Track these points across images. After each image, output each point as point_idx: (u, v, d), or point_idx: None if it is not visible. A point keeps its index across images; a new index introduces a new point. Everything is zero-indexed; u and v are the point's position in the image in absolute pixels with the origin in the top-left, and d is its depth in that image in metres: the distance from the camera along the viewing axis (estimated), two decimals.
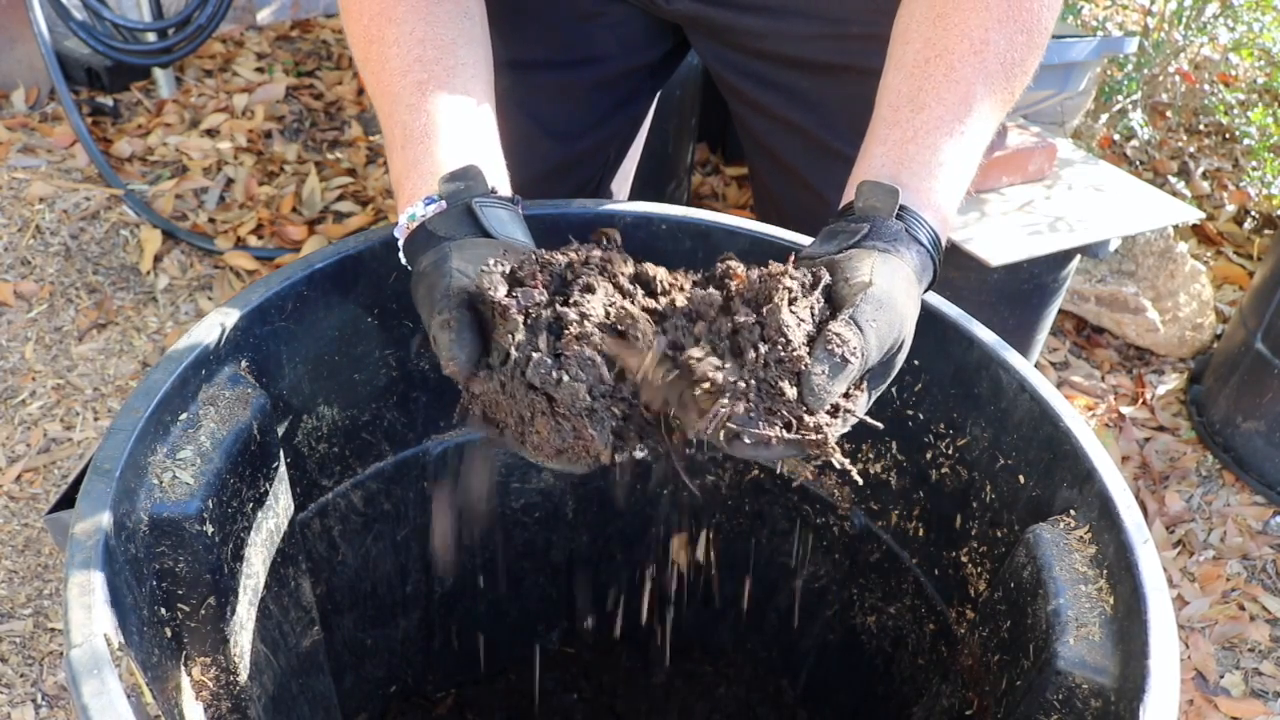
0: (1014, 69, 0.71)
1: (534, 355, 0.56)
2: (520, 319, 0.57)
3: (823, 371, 0.55)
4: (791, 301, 0.57)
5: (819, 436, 0.56)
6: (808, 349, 0.55)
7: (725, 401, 0.55)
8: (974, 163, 0.71)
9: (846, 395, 0.58)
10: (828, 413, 0.57)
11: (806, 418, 0.55)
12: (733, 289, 0.59)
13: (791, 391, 0.55)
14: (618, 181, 1.20)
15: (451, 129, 0.72)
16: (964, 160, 0.70)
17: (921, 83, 0.71)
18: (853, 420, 0.59)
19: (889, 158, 0.69)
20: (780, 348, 0.55)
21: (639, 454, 0.59)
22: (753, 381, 0.55)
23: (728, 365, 0.56)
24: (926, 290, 0.69)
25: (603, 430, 0.57)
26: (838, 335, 0.56)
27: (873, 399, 0.61)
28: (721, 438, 0.55)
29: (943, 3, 0.72)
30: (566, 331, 0.57)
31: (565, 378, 0.56)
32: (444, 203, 0.67)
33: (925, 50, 0.71)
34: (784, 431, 0.55)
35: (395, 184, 0.72)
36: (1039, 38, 0.73)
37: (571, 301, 0.58)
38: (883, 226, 0.64)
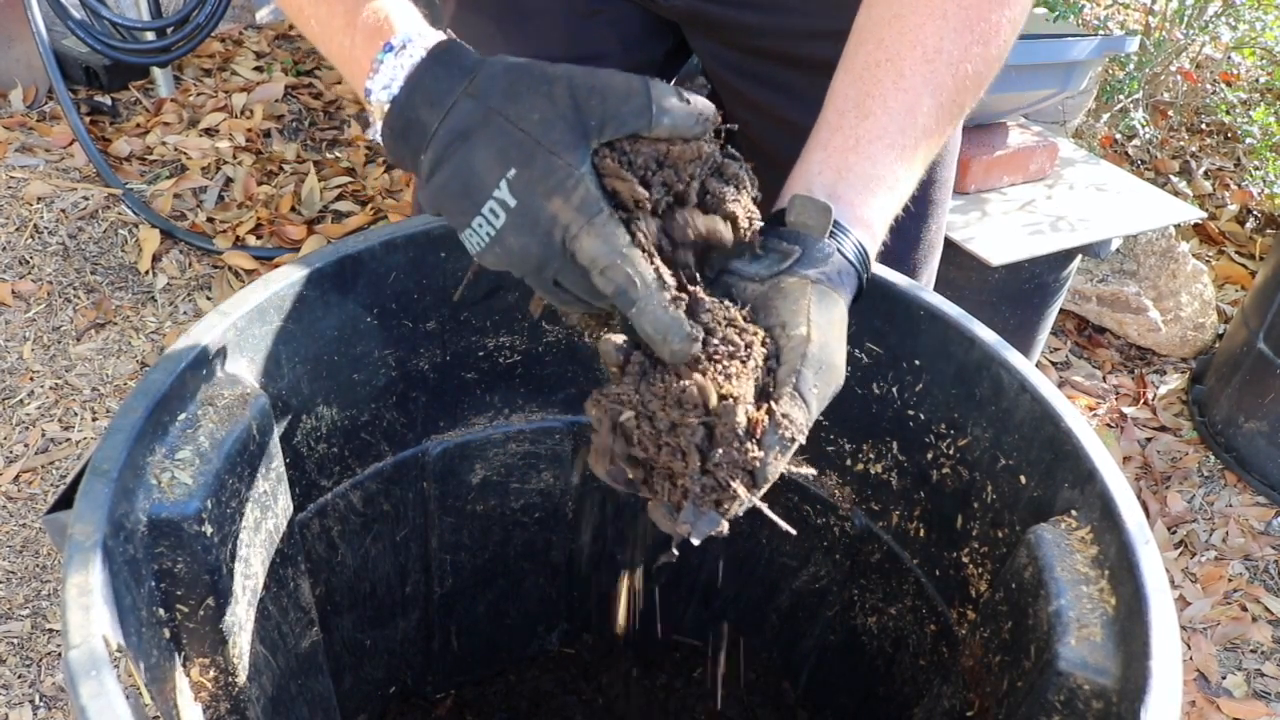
0: (966, 81, 0.70)
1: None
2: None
3: (775, 457, 0.54)
4: (739, 377, 0.56)
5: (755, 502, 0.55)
6: (757, 442, 0.54)
7: (685, 512, 0.54)
8: (914, 175, 0.70)
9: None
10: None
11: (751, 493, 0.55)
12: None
13: (744, 490, 0.54)
14: None
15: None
16: (904, 173, 0.68)
17: (869, 88, 0.69)
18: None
19: (827, 165, 0.68)
20: (736, 450, 0.53)
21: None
22: (704, 484, 0.54)
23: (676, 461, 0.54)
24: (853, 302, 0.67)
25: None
26: (787, 417, 0.54)
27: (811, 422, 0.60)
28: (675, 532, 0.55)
29: (900, 5, 0.70)
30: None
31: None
32: (453, 41, 0.61)
33: (876, 53, 0.70)
34: (729, 515, 0.54)
35: (373, 25, 0.62)
36: (996, 50, 0.71)
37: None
38: (814, 249, 0.62)
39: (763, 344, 0.58)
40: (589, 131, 0.55)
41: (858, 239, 0.64)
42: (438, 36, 0.62)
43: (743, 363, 0.56)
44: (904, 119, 0.68)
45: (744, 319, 0.59)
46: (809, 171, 0.68)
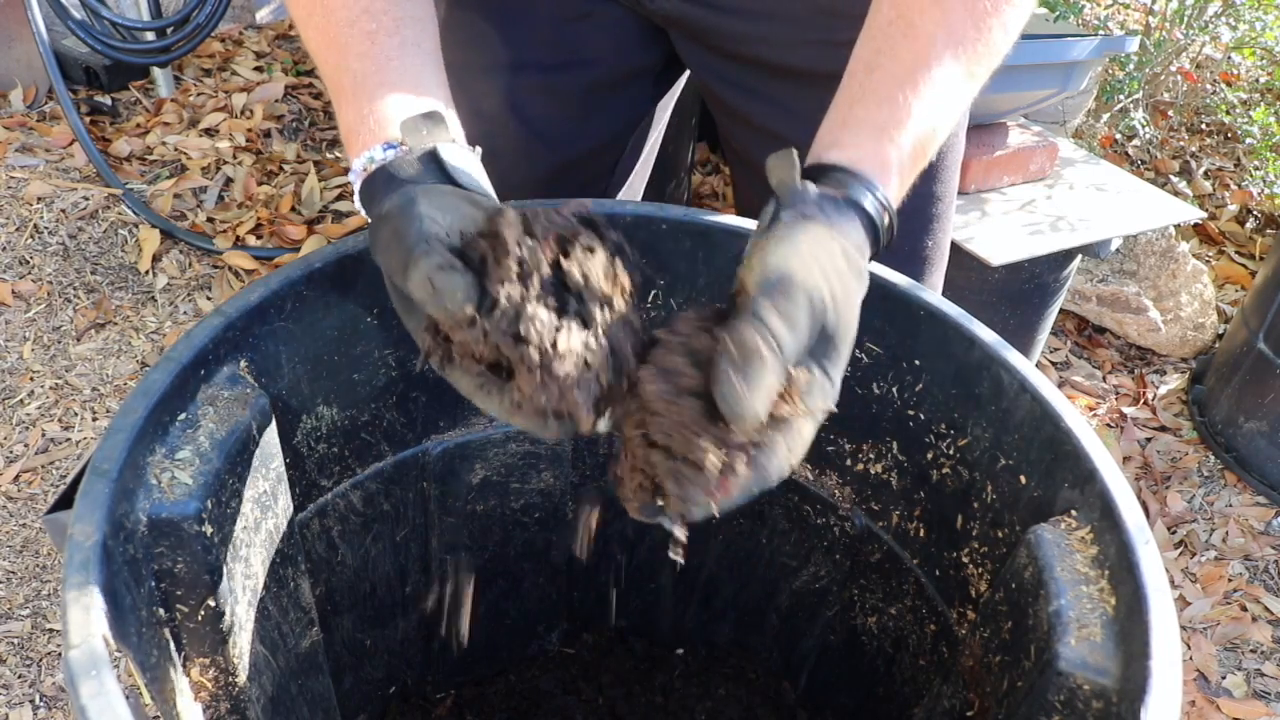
0: (984, 17, 0.67)
1: (532, 307, 0.54)
2: (516, 266, 0.55)
3: (731, 383, 0.51)
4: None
5: (774, 448, 0.54)
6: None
7: (671, 491, 0.54)
8: (938, 109, 0.66)
9: (789, 396, 0.54)
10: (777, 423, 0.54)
11: (748, 447, 0.53)
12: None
13: (712, 455, 0.52)
14: (627, 194, 1.17)
15: (406, 77, 0.70)
16: (921, 108, 0.65)
17: (880, 44, 0.68)
18: (819, 413, 0.55)
19: (831, 122, 0.66)
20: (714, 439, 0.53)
21: (604, 427, 0.57)
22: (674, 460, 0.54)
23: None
24: (884, 241, 0.64)
25: (588, 398, 0.55)
26: (728, 339, 0.52)
27: (835, 378, 0.57)
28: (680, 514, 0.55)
29: None
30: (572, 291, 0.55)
31: (566, 339, 0.54)
32: (406, 147, 0.64)
33: (889, 12, 0.69)
34: (731, 480, 0.53)
35: (347, 132, 0.69)
36: None
37: (575, 263, 0.56)
38: (789, 197, 0.60)
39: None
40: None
41: (860, 172, 0.62)
42: (363, 175, 0.66)
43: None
44: (914, 61, 0.66)
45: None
46: (818, 140, 0.67)
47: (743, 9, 0.94)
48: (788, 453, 0.55)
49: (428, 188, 0.61)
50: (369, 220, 0.65)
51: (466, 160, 0.65)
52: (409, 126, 0.64)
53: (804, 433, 0.56)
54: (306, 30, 0.74)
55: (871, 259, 0.65)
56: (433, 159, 0.63)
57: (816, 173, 0.64)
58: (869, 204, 0.62)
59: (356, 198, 0.67)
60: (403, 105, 0.68)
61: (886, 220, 0.63)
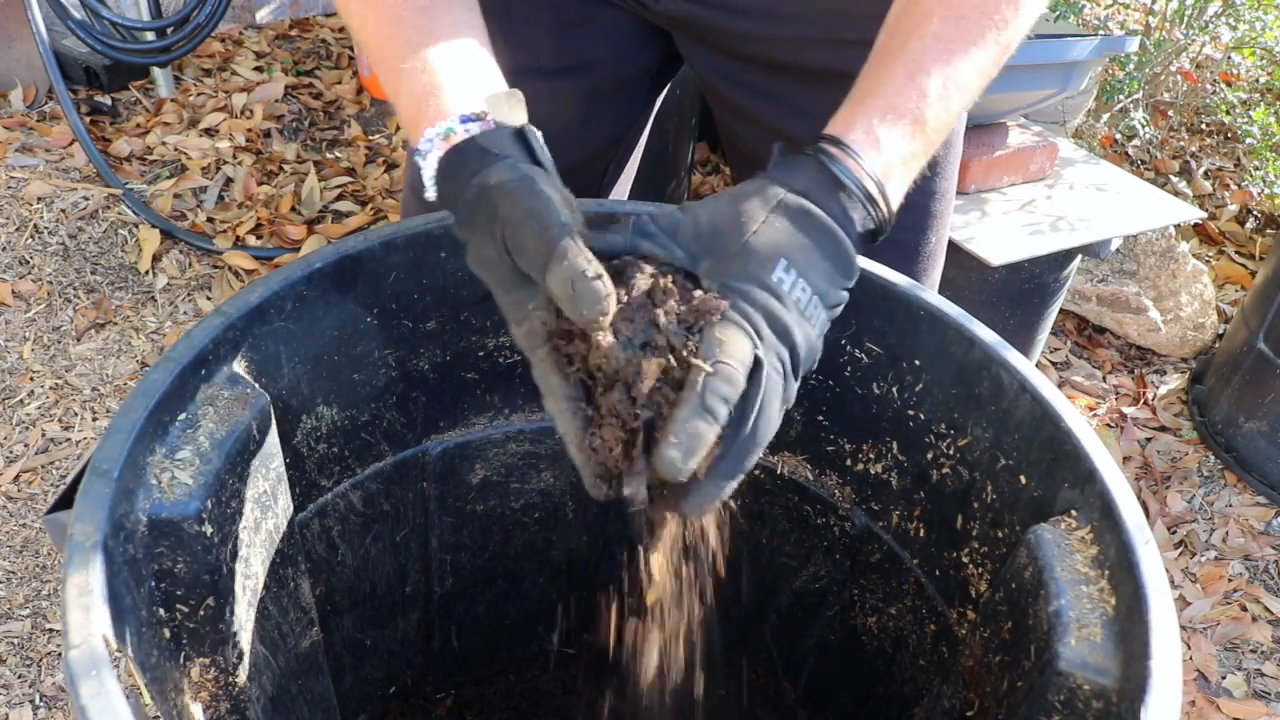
0: (983, 3, 0.68)
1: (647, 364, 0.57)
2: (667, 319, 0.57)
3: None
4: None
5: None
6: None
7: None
8: (923, 78, 0.66)
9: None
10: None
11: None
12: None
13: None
14: (615, 194, 1.18)
15: (470, 53, 0.70)
16: (902, 73, 0.66)
17: (886, 27, 0.70)
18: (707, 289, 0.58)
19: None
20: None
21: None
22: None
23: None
24: (852, 175, 0.64)
25: (640, 483, 0.59)
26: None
27: (720, 268, 0.59)
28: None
29: None
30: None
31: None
32: (490, 121, 0.63)
33: (900, 8, 0.71)
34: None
35: (413, 100, 0.67)
36: None
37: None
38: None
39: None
40: (529, 274, 0.58)
41: (824, 133, 0.64)
42: (444, 144, 0.64)
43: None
44: (908, 40, 0.68)
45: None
46: None
47: (751, 9, 0.93)
48: (732, 342, 0.56)
49: (536, 170, 0.61)
50: (453, 188, 0.63)
51: (544, 145, 0.65)
52: (495, 101, 0.64)
53: (727, 337, 0.56)
54: (349, 8, 0.73)
55: (865, 218, 0.65)
56: (521, 139, 0.63)
57: None
58: (815, 151, 0.64)
59: (428, 164, 0.65)
60: (474, 79, 0.67)
61: (849, 161, 0.63)
